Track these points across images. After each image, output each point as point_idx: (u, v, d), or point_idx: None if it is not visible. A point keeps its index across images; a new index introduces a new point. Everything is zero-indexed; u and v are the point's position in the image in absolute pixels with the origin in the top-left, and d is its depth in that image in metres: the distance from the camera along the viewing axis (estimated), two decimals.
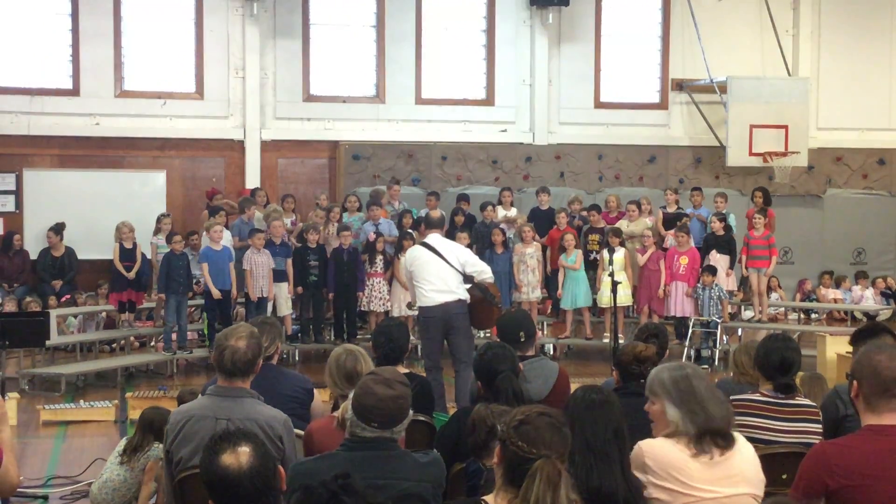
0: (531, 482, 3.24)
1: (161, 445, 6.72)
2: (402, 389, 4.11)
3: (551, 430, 3.43)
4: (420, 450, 4.36)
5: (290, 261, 13.09)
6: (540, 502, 3.20)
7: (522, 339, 6.18)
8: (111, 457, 7.02)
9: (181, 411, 4.85)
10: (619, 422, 4.06)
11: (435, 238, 9.57)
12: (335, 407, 5.66)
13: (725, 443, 4.05)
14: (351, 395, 4.21)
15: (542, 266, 13.77)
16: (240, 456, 3.07)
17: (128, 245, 13.12)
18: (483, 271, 9.44)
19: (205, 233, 13.03)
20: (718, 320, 13.30)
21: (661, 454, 4.07)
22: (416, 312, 13.20)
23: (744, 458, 4.11)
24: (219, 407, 4.67)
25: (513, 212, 14.80)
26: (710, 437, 4.04)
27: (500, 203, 14.92)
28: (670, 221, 14.37)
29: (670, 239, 14.08)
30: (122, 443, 7.09)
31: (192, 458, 4.60)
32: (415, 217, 14.37)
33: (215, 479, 3.08)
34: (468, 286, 9.34)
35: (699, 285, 13.41)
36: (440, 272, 9.27)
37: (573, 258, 13.55)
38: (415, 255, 9.60)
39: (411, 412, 4.21)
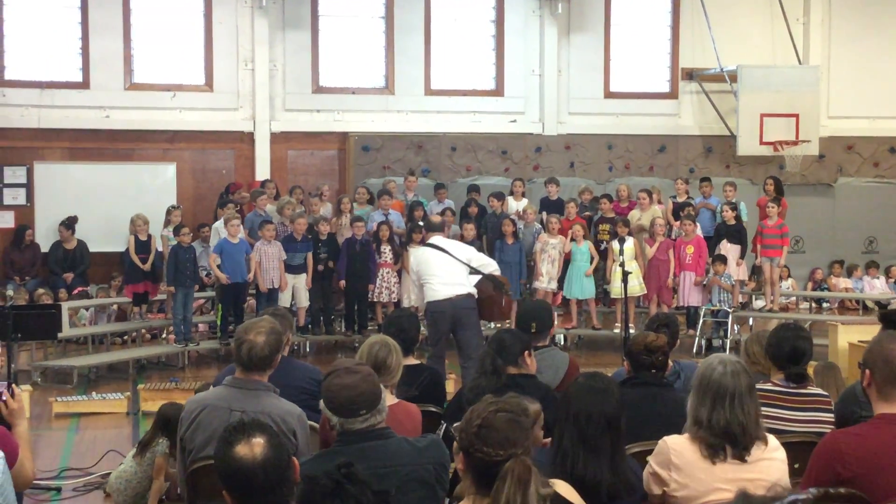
0: (501, 483, 3.21)
1: (166, 441, 6.85)
2: (365, 368, 4.13)
3: (510, 425, 3.38)
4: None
5: (309, 255, 13.16)
6: (510, 500, 3.17)
7: (534, 330, 6.21)
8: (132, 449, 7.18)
9: (196, 400, 4.88)
10: (616, 413, 4.05)
11: (438, 239, 9.77)
12: None
13: (737, 451, 4.04)
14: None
15: (562, 259, 13.74)
16: (254, 447, 3.08)
17: (143, 237, 13.16)
18: (488, 264, 9.62)
19: (222, 225, 13.06)
20: (729, 309, 13.28)
21: (689, 453, 4.07)
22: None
23: (772, 464, 4.09)
24: (234, 398, 4.70)
25: (523, 202, 14.79)
26: (711, 446, 4.04)
27: (511, 193, 14.93)
28: (679, 211, 14.34)
29: (675, 229, 14.07)
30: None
31: (205, 447, 4.63)
32: (426, 208, 14.39)
33: (229, 469, 3.08)
34: (478, 278, 9.42)
35: (710, 275, 13.38)
36: (447, 265, 9.38)
37: (584, 248, 13.55)
38: (419, 256, 9.75)
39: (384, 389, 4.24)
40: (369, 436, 3.99)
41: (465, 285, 9.36)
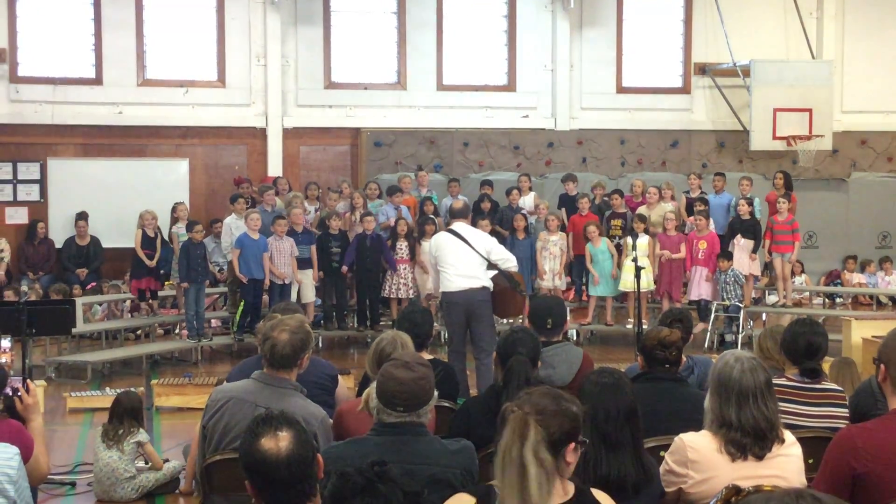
0: (502, 430, 3.20)
1: (143, 430, 7.06)
2: (423, 371, 4.11)
3: (547, 398, 3.33)
4: (451, 437, 4.36)
5: (313, 248, 13.11)
6: (506, 451, 3.15)
7: (549, 326, 6.19)
8: (95, 448, 7.30)
9: (223, 390, 4.91)
10: (632, 404, 4.05)
11: (460, 226, 9.58)
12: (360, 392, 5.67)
13: (761, 449, 4.04)
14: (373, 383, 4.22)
15: (565, 255, 13.72)
16: (280, 441, 3.07)
17: (150, 233, 13.16)
18: (507, 259, 9.42)
19: (234, 220, 13.03)
20: (739, 304, 13.23)
21: (706, 449, 4.07)
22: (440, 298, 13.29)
23: (788, 460, 4.09)
24: (260, 394, 4.71)
25: (531, 196, 14.75)
26: (730, 444, 4.04)
27: (518, 189, 14.88)
28: (691, 206, 14.31)
29: (689, 224, 14.02)
30: (100, 432, 7.40)
31: (224, 437, 4.68)
32: (436, 203, 14.38)
33: (253, 461, 3.07)
34: (493, 273, 9.32)
35: (717, 270, 13.34)
36: (465, 257, 9.27)
37: (603, 247, 13.51)
38: (439, 241, 9.62)
39: (436, 393, 4.20)
40: (403, 430, 4.01)
41: (481, 278, 9.27)
